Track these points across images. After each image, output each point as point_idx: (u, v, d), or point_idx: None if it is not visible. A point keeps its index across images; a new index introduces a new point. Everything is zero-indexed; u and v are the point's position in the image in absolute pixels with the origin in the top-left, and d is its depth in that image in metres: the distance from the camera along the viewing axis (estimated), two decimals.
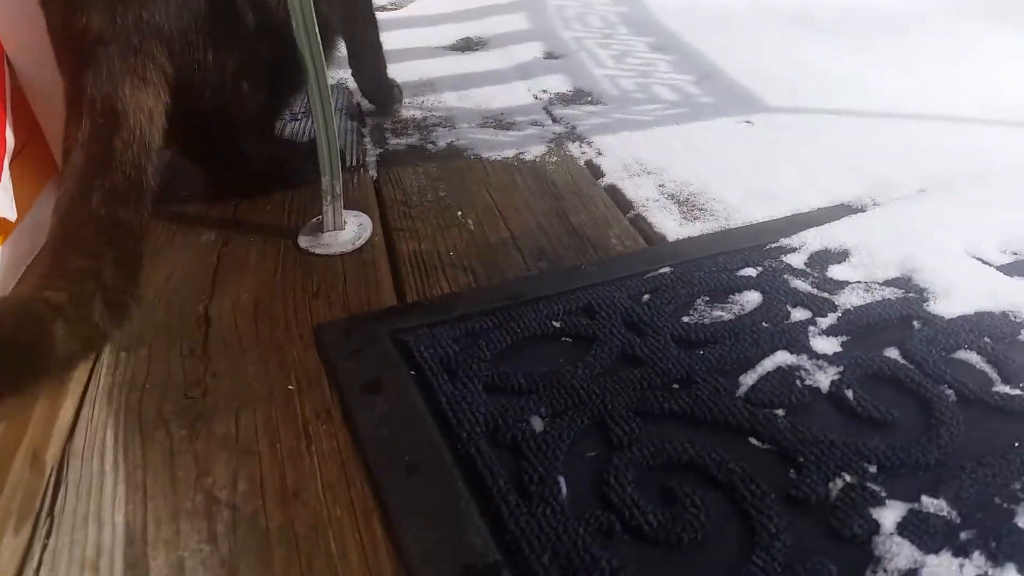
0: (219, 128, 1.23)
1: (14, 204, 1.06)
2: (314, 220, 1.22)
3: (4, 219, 1.06)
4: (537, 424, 0.81)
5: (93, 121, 1.02)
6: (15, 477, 0.79)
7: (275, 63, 1.17)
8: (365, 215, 1.23)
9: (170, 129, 1.07)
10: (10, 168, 1.09)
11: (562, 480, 0.74)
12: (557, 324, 0.96)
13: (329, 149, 1.08)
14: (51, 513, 0.75)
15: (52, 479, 0.79)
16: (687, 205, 1.23)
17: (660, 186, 1.29)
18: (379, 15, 2.31)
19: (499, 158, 1.43)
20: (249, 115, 1.25)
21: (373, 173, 1.41)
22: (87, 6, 1.06)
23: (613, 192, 1.29)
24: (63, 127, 1.06)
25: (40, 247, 1.20)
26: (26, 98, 1.21)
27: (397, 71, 1.90)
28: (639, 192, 1.27)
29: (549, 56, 1.95)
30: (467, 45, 2.08)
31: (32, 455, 0.82)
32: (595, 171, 1.36)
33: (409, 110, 1.69)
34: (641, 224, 1.19)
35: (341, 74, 1.91)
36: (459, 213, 1.25)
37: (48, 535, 0.73)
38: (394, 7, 2.41)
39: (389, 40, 2.11)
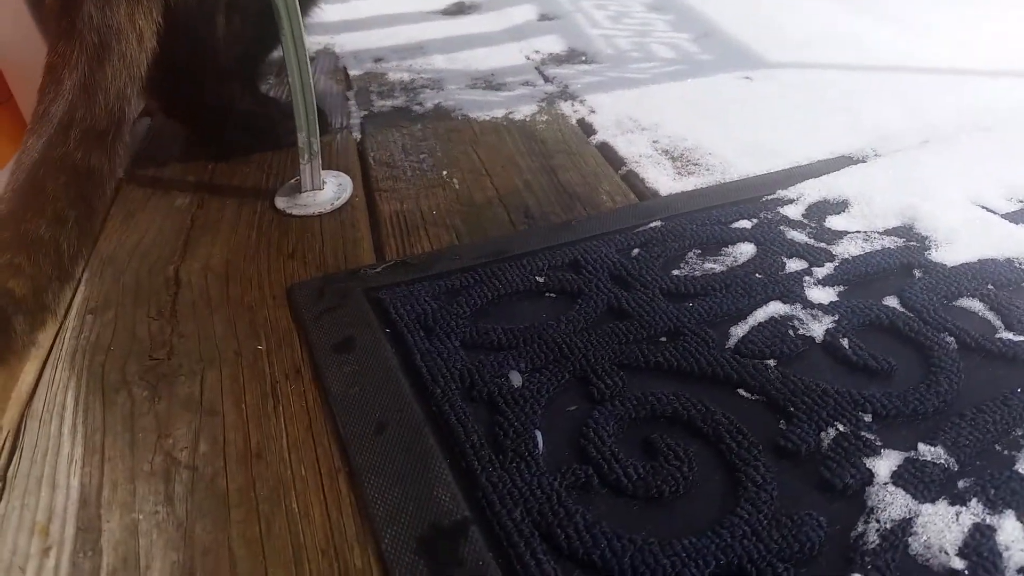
0: (205, 66, 1.18)
1: None
2: (292, 181, 1.18)
3: None
4: (516, 379, 0.77)
5: (83, 41, 0.94)
6: None
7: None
8: (346, 176, 1.19)
9: (154, 76, 1.01)
10: None
11: (539, 435, 0.70)
12: (540, 280, 0.91)
13: (305, 103, 1.04)
14: (3, 477, 0.72)
15: (7, 443, 0.75)
16: (681, 160, 1.18)
17: (654, 142, 1.24)
18: None
19: (487, 118, 1.38)
20: (236, 55, 1.20)
21: (357, 135, 1.36)
22: None
23: (605, 149, 1.24)
24: (48, 50, 0.97)
25: None
26: None
27: (384, 36, 1.86)
28: (632, 148, 1.22)
29: (543, 18, 1.89)
30: (459, 9, 2.03)
31: None
32: (587, 129, 1.31)
33: (396, 72, 1.64)
34: (633, 180, 1.14)
35: (328, 39, 1.87)
36: (444, 173, 1.21)
37: None
38: None
39: (377, 5, 2.08)
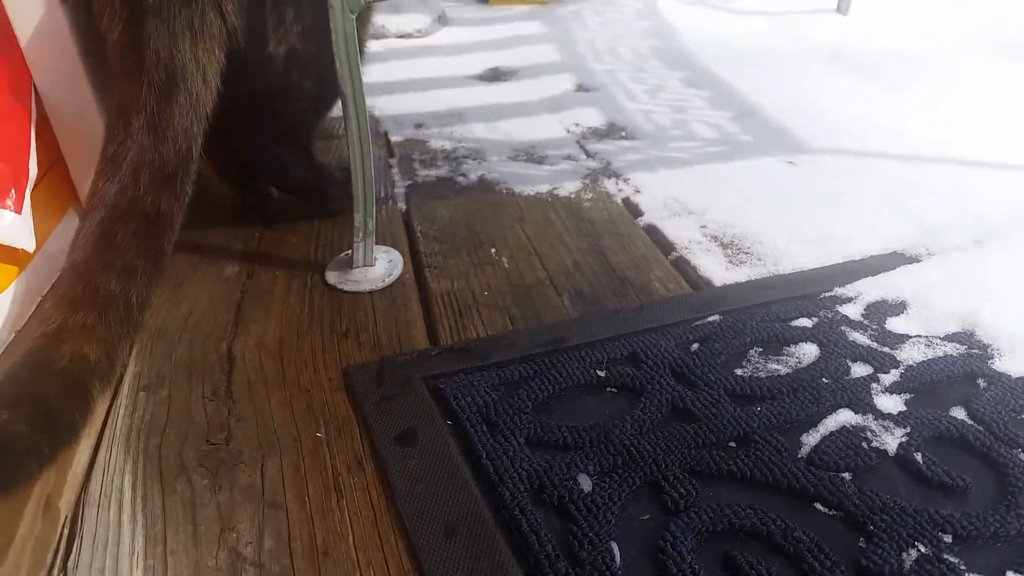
0: (263, 127, 1.19)
1: (33, 234, 1.02)
2: (343, 255, 1.17)
3: (22, 250, 1.02)
4: (585, 483, 0.75)
5: (150, 79, 0.95)
6: (27, 526, 0.74)
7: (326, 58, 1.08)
8: (395, 251, 1.18)
9: (208, 136, 1.01)
10: (30, 197, 1.05)
11: (615, 546, 0.69)
12: (601, 373, 0.90)
13: (364, 185, 1.04)
14: (64, 568, 0.70)
15: (66, 529, 0.74)
16: (732, 248, 1.18)
17: (702, 227, 1.24)
18: (406, 43, 2.31)
19: (532, 193, 1.39)
20: (294, 115, 1.21)
21: (402, 205, 1.36)
22: None
23: (653, 232, 1.24)
24: (114, 90, 0.98)
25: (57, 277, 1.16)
26: (50, 123, 1.18)
27: (423, 100, 1.88)
28: (680, 233, 1.22)
29: (580, 89, 1.91)
30: (495, 75, 2.05)
31: (45, 502, 0.77)
32: (633, 209, 1.32)
33: (438, 140, 1.65)
34: (684, 267, 1.14)
35: (368, 101, 1.88)
36: (492, 250, 1.21)
37: None
38: (420, 35, 2.39)
39: (416, 69, 2.10)
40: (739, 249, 1.17)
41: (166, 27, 0.95)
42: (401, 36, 2.36)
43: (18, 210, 1.00)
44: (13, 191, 1.01)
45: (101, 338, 0.80)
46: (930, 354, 0.93)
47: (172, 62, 0.95)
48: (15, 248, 1.01)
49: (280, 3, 1.06)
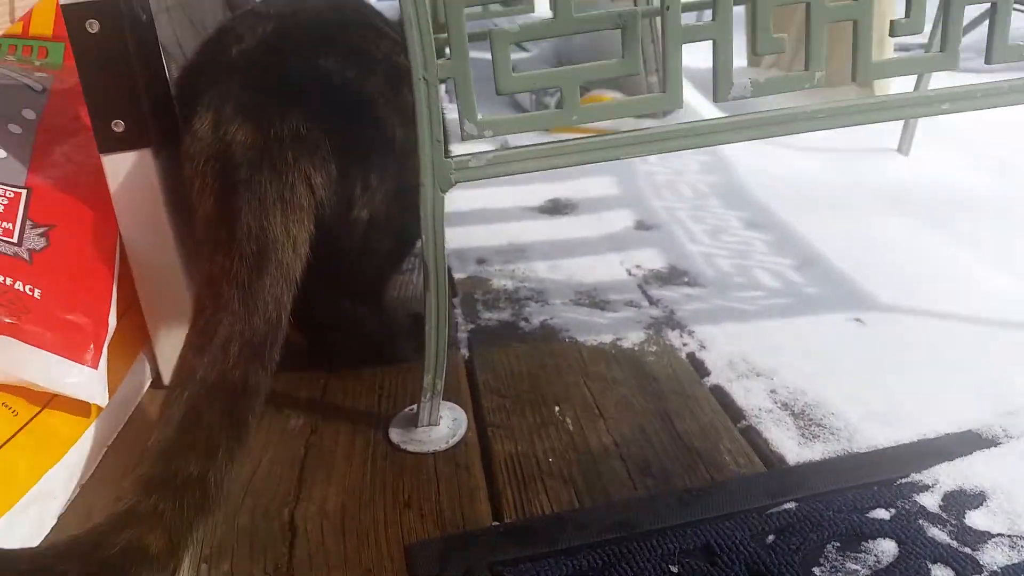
0: (340, 285, 1.21)
1: (107, 389, 1.03)
2: (407, 410, 1.17)
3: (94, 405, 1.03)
4: None
5: (241, 252, 0.97)
6: None
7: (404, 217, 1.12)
8: (460, 408, 1.18)
9: None
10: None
11: None
12: (675, 569, 0.87)
13: (437, 351, 1.04)
14: None
15: None
16: (803, 419, 1.15)
17: (771, 392, 1.21)
18: None
19: (595, 343, 1.38)
20: (373, 268, 1.24)
21: (465, 352, 1.36)
22: (238, 114, 1.03)
23: (720, 395, 1.22)
24: (203, 260, 1.01)
25: (123, 425, 1.17)
26: (129, 266, 1.21)
27: (485, 234, 1.90)
28: (749, 399, 1.19)
29: (640, 226, 1.92)
30: (555, 207, 2.08)
31: None
32: (699, 367, 1.30)
33: (500, 279, 1.66)
34: (755, 438, 1.11)
35: None
36: (556, 409, 1.19)
37: None
38: None
39: (478, 199, 2.13)
40: (811, 420, 1.14)
41: (257, 200, 0.98)
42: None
43: (95, 365, 1.02)
44: (92, 346, 1.03)
45: (169, 526, 0.79)
46: (1014, 558, 0.88)
47: (263, 234, 0.97)
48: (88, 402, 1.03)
49: (366, 170, 1.09)
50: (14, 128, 1.32)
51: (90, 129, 1.18)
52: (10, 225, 1.14)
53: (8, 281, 1.05)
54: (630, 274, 1.66)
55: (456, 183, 1.01)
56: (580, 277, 1.65)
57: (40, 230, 1.16)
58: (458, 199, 2.10)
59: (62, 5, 1.12)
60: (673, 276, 1.65)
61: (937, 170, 2.18)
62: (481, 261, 1.75)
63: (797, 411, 1.17)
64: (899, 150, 2.27)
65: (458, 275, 1.68)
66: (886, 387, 1.21)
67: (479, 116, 0.99)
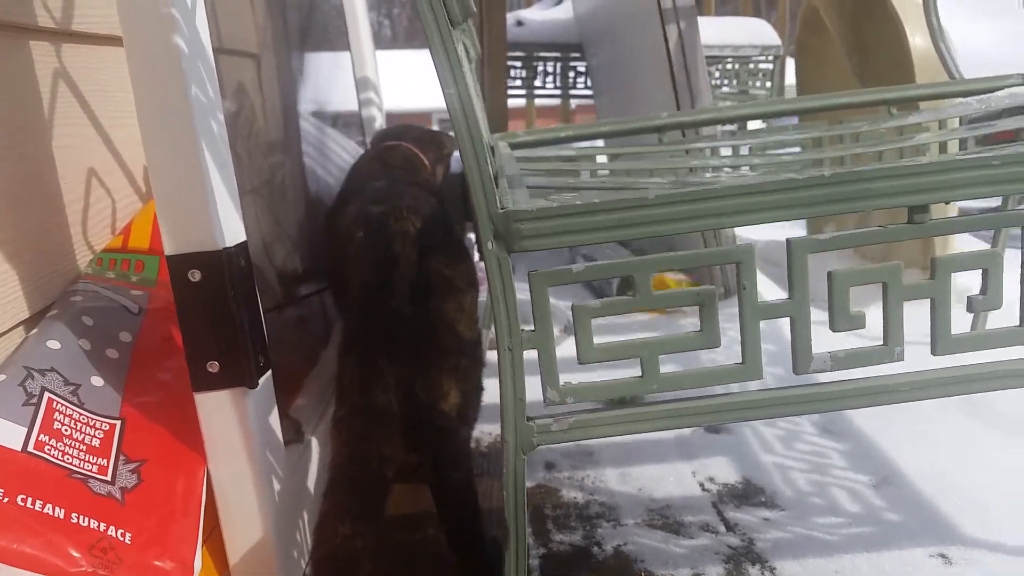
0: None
1: None
2: None
3: None
4: None
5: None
6: None
7: None
8: None
9: None
10: None
11: None
12: None
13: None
14: None
15: None
16: None
17: None
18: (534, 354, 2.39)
19: None
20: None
21: None
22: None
23: None
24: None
25: None
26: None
27: None
28: None
29: (710, 428, 1.91)
30: (620, 400, 2.08)
31: None
32: None
33: (570, 489, 1.65)
34: None
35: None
36: None
37: None
38: None
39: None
40: None
41: None
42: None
43: None
44: None
45: None
46: None
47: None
48: None
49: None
50: (111, 353, 1.38)
51: (182, 350, 1.23)
52: (104, 462, 1.19)
53: (102, 527, 1.09)
54: (703, 488, 1.64)
55: (538, 446, 1.03)
56: (651, 490, 1.63)
57: (132, 466, 1.21)
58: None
59: (167, 256, 1.20)
60: (749, 493, 1.62)
61: None
62: (550, 466, 1.75)
63: None
64: None
65: (528, 483, 1.67)
66: None
67: (561, 383, 1.02)
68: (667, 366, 1.03)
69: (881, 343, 1.01)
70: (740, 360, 1.02)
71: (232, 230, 1.21)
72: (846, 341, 1.03)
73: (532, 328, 1.01)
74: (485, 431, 1.92)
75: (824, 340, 1.03)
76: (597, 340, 1.01)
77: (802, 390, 1.02)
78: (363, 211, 1.44)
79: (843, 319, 0.99)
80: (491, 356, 1.25)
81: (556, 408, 1.04)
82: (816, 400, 1.01)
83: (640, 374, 1.02)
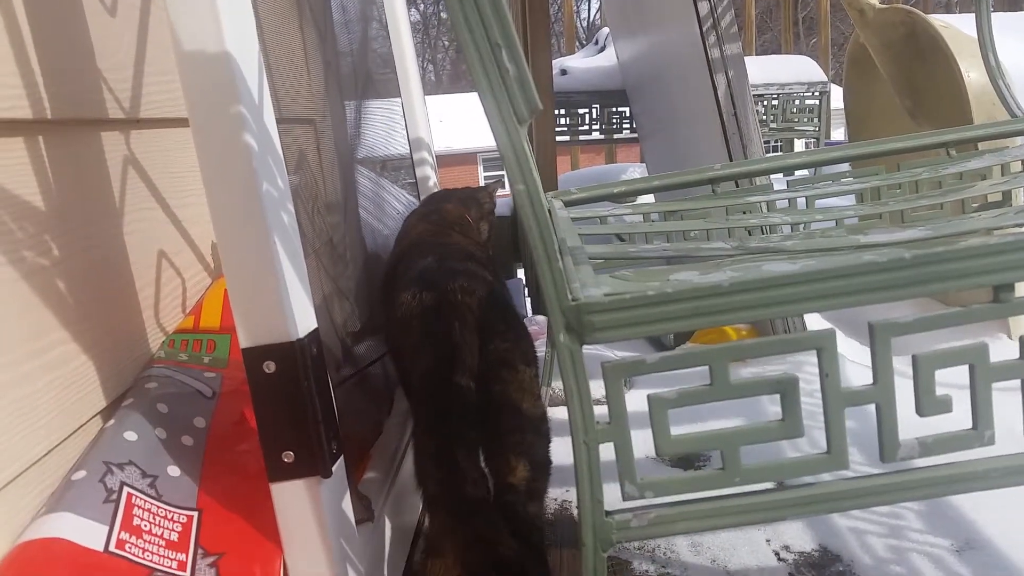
0: None
1: None
2: None
3: None
4: None
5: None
6: None
7: None
8: None
9: None
10: None
11: None
12: None
13: None
14: None
15: None
16: None
17: None
18: (597, 409, 2.37)
19: None
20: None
21: None
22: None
23: None
24: None
25: None
26: None
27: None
28: None
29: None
30: (688, 460, 2.05)
31: None
32: None
33: (642, 562, 1.62)
34: None
35: (565, 493, 1.90)
36: None
37: None
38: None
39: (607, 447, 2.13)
40: None
41: None
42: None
43: None
44: None
45: None
46: None
47: None
48: None
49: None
50: (187, 440, 1.40)
51: (255, 432, 1.24)
52: (184, 556, 1.20)
53: None
54: (779, 558, 1.60)
55: (617, 543, 1.01)
56: (725, 561, 1.60)
57: (210, 559, 1.21)
58: None
59: (243, 348, 1.21)
60: (826, 562, 1.58)
61: None
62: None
63: None
64: None
65: None
66: None
67: (639, 479, 1.00)
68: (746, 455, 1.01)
69: (971, 427, 0.98)
70: (825, 449, 0.99)
71: (304, 319, 1.22)
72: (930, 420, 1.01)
73: (608, 421, 1.00)
74: (550, 496, 1.90)
75: (904, 412, 1.01)
76: (674, 431, 1.00)
77: (892, 478, 0.99)
78: (418, 298, 1.44)
79: (930, 404, 0.97)
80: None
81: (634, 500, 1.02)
82: (907, 488, 0.99)
83: (720, 466, 1.00)
